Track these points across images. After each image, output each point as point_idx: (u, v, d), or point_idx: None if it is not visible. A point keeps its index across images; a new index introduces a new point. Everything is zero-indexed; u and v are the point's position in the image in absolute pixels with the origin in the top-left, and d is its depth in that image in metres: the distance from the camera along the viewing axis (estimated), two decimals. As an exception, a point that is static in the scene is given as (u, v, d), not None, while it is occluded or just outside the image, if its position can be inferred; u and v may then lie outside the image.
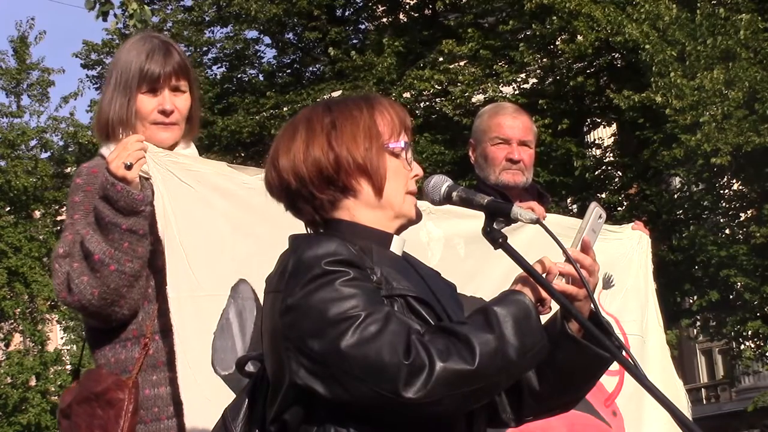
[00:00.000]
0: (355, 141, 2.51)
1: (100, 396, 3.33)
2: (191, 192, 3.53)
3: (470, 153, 4.61)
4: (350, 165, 2.50)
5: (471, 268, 4.09)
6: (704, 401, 31.47)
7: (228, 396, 3.29)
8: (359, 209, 2.53)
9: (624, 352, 2.49)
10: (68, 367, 21.48)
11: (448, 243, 4.15)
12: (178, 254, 3.41)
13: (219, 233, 3.59)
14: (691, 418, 4.52)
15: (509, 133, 4.47)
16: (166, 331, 3.39)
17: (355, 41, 22.92)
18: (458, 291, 2.71)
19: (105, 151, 3.52)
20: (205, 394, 3.32)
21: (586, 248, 2.54)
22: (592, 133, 21.93)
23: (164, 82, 3.52)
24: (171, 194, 3.46)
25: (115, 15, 9.54)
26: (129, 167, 3.33)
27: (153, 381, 3.39)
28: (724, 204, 18.57)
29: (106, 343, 3.43)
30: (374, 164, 2.51)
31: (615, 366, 2.59)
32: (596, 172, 20.08)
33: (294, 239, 2.51)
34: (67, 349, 22.03)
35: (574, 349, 2.50)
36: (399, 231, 2.58)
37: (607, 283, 4.49)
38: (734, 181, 18.24)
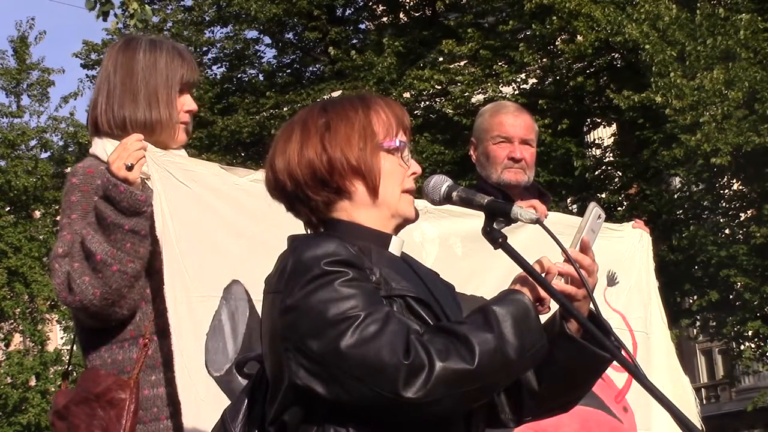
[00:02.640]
0: (349, 142, 2.50)
1: (101, 396, 3.32)
2: (188, 192, 3.53)
3: (471, 152, 4.60)
4: (344, 167, 2.50)
5: (469, 267, 4.10)
6: (704, 401, 31.44)
7: (220, 397, 3.29)
8: (356, 210, 2.52)
9: (623, 352, 2.49)
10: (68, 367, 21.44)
11: (444, 243, 4.15)
12: (173, 255, 3.41)
13: (213, 234, 3.59)
14: (699, 416, 4.55)
15: (511, 132, 4.47)
16: (163, 331, 3.38)
17: (355, 41, 22.93)
18: (457, 290, 2.71)
19: (99, 151, 3.51)
20: (200, 395, 3.32)
21: (585, 248, 2.53)
22: (592, 133, 21.91)
23: (192, 86, 3.61)
24: (168, 194, 3.46)
25: (116, 15, 9.54)
26: (130, 168, 3.33)
27: (152, 381, 3.39)
28: (724, 204, 18.55)
29: (102, 344, 3.42)
30: (368, 165, 2.51)
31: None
32: (596, 172, 20.07)
33: (293, 240, 2.51)
34: (67, 349, 22.01)
35: (574, 349, 2.49)
36: (397, 230, 2.58)
37: (612, 280, 4.49)
38: (734, 181, 18.21)
